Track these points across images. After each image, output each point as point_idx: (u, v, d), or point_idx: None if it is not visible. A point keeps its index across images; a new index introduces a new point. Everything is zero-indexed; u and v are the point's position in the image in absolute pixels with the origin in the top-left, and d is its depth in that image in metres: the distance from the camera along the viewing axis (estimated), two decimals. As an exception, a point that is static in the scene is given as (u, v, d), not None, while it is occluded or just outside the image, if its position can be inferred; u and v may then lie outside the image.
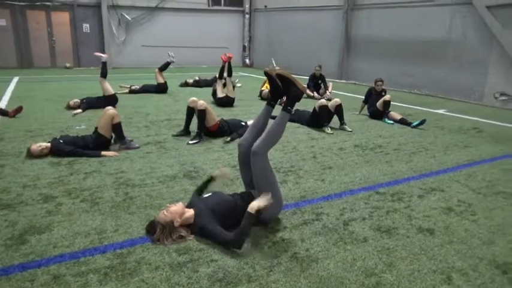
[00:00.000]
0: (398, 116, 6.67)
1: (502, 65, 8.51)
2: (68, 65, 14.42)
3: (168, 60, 9.14)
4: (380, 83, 7.08)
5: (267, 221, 2.90)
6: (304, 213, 3.14)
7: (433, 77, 9.97)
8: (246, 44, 17.96)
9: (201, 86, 10.41)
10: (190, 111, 5.45)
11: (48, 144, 4.46)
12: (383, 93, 7.07)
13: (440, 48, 9.72)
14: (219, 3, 17.09)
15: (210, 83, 10.46)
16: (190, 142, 5.12)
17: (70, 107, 6.97)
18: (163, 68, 9.19)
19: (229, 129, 5.53)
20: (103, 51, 14.84)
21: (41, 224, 2.87)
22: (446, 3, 9.45)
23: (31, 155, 4.34)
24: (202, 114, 5.23)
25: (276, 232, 2.83)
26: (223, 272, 2.34)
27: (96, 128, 4.72)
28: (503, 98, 8.55)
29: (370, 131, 6.03)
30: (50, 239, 2.66)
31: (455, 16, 9.32)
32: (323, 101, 6.03)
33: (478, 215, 3.17)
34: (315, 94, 9.17)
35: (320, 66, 9.38)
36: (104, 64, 7.16)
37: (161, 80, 9.09)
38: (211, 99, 8.30)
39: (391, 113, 6.76)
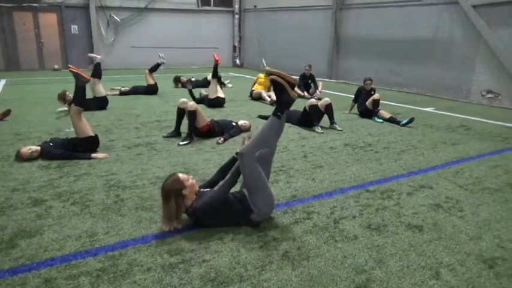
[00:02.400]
0: (387, 115, 6.74)
1: (488, 63, 8.65)
2: (56, 67, 14.28)
3: (158, 61, 9.11)
4: (369, 82, 7.15)
5: (258, 221, 2.92)
6: (296, 213, 3.17)
7: (421, 76, 10.09)
8: (236, 44, 17.97)
9: (192, 87, 10.36)
10: (181, 112, 5.45)
11: (38, 148, 4.42)
12: (372, 92, 7.14)
13: (428, 47, 9.85)
14: (208, 4, 17.06)
15: (202, 84, 10.45)
16: (181, 143, 5.12)
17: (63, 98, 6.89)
18: (154, 69, 9.16)
19: (220, 130, 5.54)
20: (92, 52, 14.76)
21: (31, 227, 2.85)
22: (433, 3, 9.57)
23: (20, 158, 4.31)
24: (192, 115, 5.23)
25: (267, 231, 2.85)
26: (215, 272, 2.35)
27: (76, 136, 4.63)
28: (489, 95, 8.69)
29: (360, 130, 6.09)
30: (40, 243, 2.65)
31: (443, 15, 9.45)
32: (313, 101, 6.07)
33: (465, 211, 3.23)
34: (305, 94, 9.22)
35: (310, 66, 9.44)
36: (98, 65, 7.13)
37: (151, 82, 9.06)
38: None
39: (380, 111, 6.83)
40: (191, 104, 5.25)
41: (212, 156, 4.68)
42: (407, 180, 3.93)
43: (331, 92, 9.95)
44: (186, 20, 16.45)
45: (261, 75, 9.14)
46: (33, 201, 3.31)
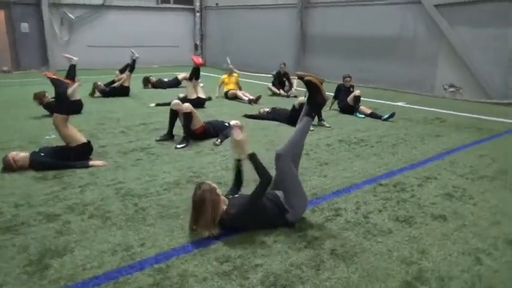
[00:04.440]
0: (368, 110, 7.02)
1: (449, 59, 9.28)
2: (5, 68, 13.20)
3: (133, 57, 8.71)
4: (348, 79, 7.39)
5: (293, 221, 2.94)
6: (323, 210, 3.22)
7: (387, 72, 10.57)
8: (198, 43, 17.67)
9: (164, 87, 10.09)
10: (174, 114, 5.29)
11: (27, 154, 4.10)
12: (351, 89, 7.39)
13: (393, 45, 10.34)
14: (168, 1, 16.61)
15: (173, 84, 10.19)
16: (178, 146, 4.98)
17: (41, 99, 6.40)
18: (133, 67, 8.75)
19: (214, 131, 5.46)
20: (45, 53, 13.85)
21: (57, 245, 2.65)
22: (397, 2, 10.07)
23: (9, 166, 3.96)
24: (188, 117, 5.10)
25: (305, 231, 2.88)
26: (273, 276, 2.34)
27: (66, 145, 4.31)
28: (451, 89, 9.33)
29: (347, 126, 6.29)
30: (74, 261, 2.47)
31: (406, 14, 9.98)
32: (302, 99, 6.15)
33: (475, 199, 3.47)
34: (281, 91, 9.33)
35: (284, 64, 9.56)
36: (74, 67, 6.70)
37: (127, 83, 8.65)
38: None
39: (361, 107, 7.09)
40: (186, 106, 5.12)
41: (215, 158, 4.61)
42: (412, 173, 4.13)
43: (303, 89, 10.11)
44: (146, 18, 15.89)
45: (225, 76, 9.12)
46: (45, 216, 3.07)
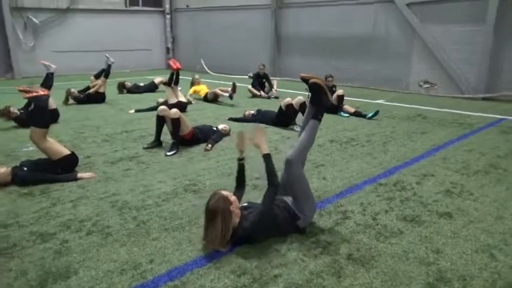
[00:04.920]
0: (352, 109, 7.08)
1: (423, 56, 9.55)
2: (-35, 77, 12.43)
3: (109, 62, 8.39)
4: (331, 78, 7.44)
5: (304, 227, 2.87)
6: (331, 214, 3.18)
7: (363, 71, 10.75)
8: (169, 46, 17.34)
9: (141, 92, 9.79)
10: (161, 120, 5.11)
11: (8, 169, 3.82)
12: (334, 89, 7.44)
13: (367, 44, 10.54)
14: (136, 4, 16.20)
15: (150, 88, 9.91)
16: (168, 153, 4.81)
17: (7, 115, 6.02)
18: (108, 73, 8.42)
19: (203, 136, 5.32)
20: (8, 58, 13.12)
21: (58, 267, 2.46)
22: (369, 2, 10.27)
23: None
24: (177, 122, 4.94)
25: (317, 236, 2.82)
26: (295, 286, 2.26)
27: (50, 159, 4.03)
28: (426, 85, 9.61)
29: (334, 126, 6.30)
30: (80, 284, 2.30)
31: (379, 13, 10.19)
32: (289, 100, 6.12)
33: (475, 194, 3.54)
34: (262, 93, 9.27)
35: (264, 65, 9.51)
36: (51, 75, 6.34)
37: (102, 89, 8.31)
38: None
39: (345, 106, 7.14)
40: (174, 112, 4.95)
41: (209, 164, 4.48)
42: (408, 171, 4.18)
43: (281, 90, 10.09)
44: (114, 21, 15.41)
45: (194, 88, 8.99)
46: (39, 236, 2.85)
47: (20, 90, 3.89)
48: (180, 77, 7.51)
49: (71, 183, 3.88)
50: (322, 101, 2.89)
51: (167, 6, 16.80)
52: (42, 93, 3.83)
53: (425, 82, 9.57)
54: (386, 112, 7.29)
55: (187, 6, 16.28)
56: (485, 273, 2.36)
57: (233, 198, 2.69)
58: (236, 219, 2.66)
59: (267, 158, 2.81)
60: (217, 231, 2.58)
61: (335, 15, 11.14)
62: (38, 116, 3.88)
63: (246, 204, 2.91)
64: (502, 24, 8.15)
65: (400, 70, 10.02)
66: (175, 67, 7.55)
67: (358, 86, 10.75)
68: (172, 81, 7.69)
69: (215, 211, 2.58)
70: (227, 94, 8.22)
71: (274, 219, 2.74)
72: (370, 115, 6.75)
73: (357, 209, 3.27)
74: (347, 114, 7.02)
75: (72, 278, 2.35)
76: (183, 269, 2.45)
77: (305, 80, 2.94)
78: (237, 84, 8.53)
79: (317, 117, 2.88)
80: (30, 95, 3.79)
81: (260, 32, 13.29)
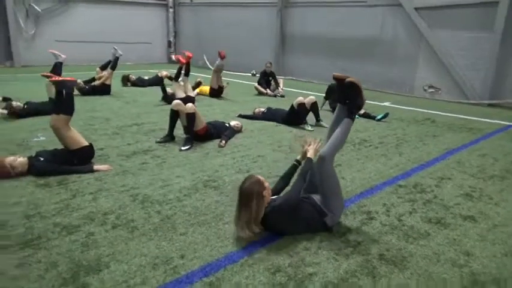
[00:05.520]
0: (362, 111, 7.08)
1: (429, 60, 9.60)
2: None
3: (117, 55, 8.29)
4: (340, 79, 7.41)
5: (332, 226, 2.87)
6: (355, 214, 3.18)
7: (367, 72, 10.76)
8: (171, 40, 17.23)
9: (145, 86, 9.71)
10: (175, 115, 5.06)
11: (26, 159, 3.75)
12: (342, 89, 7.43)
13: (373, 46, 10.56)
14: (140, -4, 16.07)
15: (155, 82, 9.82)
16: (182, 148, 4.77)
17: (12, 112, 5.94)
18: (115, 65, 8.33)
19: (216, 132, 5.29)
20: (8, 46, 12.92)
21: (88, 260, 2.42)
22: (378, 4, 10.28)
23: (7, 173, 3.60)
24: (192, 117, 4.90)
25: (346, 236, 2.81)
26: (331, 285, 2.26)
27: (67, 148, 4.00)
28: (431, 90, 9.66)
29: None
30: (114, 278, 2.26)
31: (387, 16, 10.21)
32: (301, 99, 6.11)
33: (494, 198, 3.56)
34: (268, 91, 9.25)
35: (271, 63, 9.49)
36: (60, 64, 6.26)
37: (109, 82, 8.22)
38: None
39: (354, 107, 7.14)
40: (190, 106, 4.92)
41: (225, 160, 4.45)
42: (425, 173, 4.19)
43: (287, 89, 10.09)
44: (117, 13, 15.28)
45: (198, 89, 9.01)
46: (63, 228, 2.81)
47: (44, 75, 3.84)
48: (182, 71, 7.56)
49: (88, 175, 3.83)
50: (358, 100, 2.88)
51: (170, 0, 16.69)
52: (68, 78, 3.79)
53: (430, 86, 9.63)
54: (394, 114, 7.31)
55: (191, 0, 16.17)
56: (518, 277, 2.38)
57: (267, 184, 2.76)
58: (266, 204, 2.70)
59: (309, 160, 3.08)
60: (251, 212, 2.64)
61: (342, 16, 11.14)
62: (65, 102, 3.84)
63: (275, 196, 2.93)
64: (510, 32, 8.21)
65: (405, 74, 10.07)
66: (183, 60, 7.51)
67: (364, 88, 10.69)
68: (181, 75, 7.65)
69: (251, 193, 2.63)
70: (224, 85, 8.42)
71: (301, 210, 2.79)
72: (379, 117, 6.77)
73: (380, 209, 3.27)
74: (356, 116, 7.01)
75: (104, 272, 2.32)
76: (216, 265, 2.43)
77: (339, 79, 2.92)
78: (239, 81, 8.56)
79: (351, 116, 2.88)
80: (56, 79, 3.75)
81: (265, 30, 13.26)
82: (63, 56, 6.67)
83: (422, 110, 8.02)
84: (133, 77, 9.89)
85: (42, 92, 6.27)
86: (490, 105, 8.66)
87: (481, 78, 8.73)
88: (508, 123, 6.94)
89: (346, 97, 2.97)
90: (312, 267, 2.42)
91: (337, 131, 2.86)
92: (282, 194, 3.04)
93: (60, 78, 3.82)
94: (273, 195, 3.00)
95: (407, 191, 3.69)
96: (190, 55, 7.33)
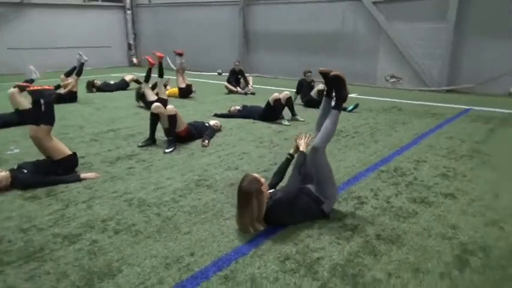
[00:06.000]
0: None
1: (389, 52, 10.09)
2: None
3: (82, 60, 8.03)
4: (309, 74, 7.67)
5: (328, 212, 3.02)
6: (347, 200, 3.36)
7: (332, 66, 10.77)
8: (131, 42, 16.85)
9: (112, 90, 9.48)
10: (155, 118, 5.04)
11: (8, 173, 3.62)
12: (313, 83, 7.68)
13: (336, 40, 10.93)
14: (95, -1, 15.59)
15: (121, 86, 9.62)
16: (167, 151, 4.76)
17: None
18: (81, 71, 8.07)
19: (197, 132, 5.33)
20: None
21: (98, 267, 2.42)
22: (338, 0, 10.64)
23: None
24: (174, 119, 4.91)
25: (342, 221, 2.98)
26: (339, 266, 2.40)
27: (49, 158, 3.90)
28: (393, 80, 10.16)
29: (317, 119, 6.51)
30: (129, 281, 2.29)
31: (347, 11, 10.60)
32: (276, 95, 6.26)
33: (467, 176, 3.88)
34: (238, 89, 9.34)
35: (239, 62, 9.59)
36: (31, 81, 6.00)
37: (75, 89, 7.97)
38: (135, 103, 7.76)
39: (325, 100, 7.39)
40: (170, 108, 4.92)
41: (211, 160, 4.51)
42: (402, 158, 4.47)
43: (256, 86, 10.22)
44: (72, 17, 14.77)
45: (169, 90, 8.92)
46: (64, 238, 2.77)
47: (18, 86, 3.70)
48: (142, 74, 7.46)
49: (76, 184, 3.76)
50: (343, 92, 3.05)
51: (128, 1, 16.30)
52: (47, 87, 3.68)
53: (392, 76, 10.12)
54: (363, 105, 7.64)
55: (149, 1, 15.89)
56: (500, 243, 2.65)
57: (263, 179, 2.85)
58: (266, 199, 2.79)
59: (302, 153, 3.17)
60: (254, 211, 2.72)
61: (304, 13, 11.43)
62: (45, 112, 3.72)
63: (273, 190, 3.04)
64: (462, 22, 8.82)
65: (367, 66, 10.51)
66: (153, 62, 7.43)
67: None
68: (149, 78, 7.57)
69: (249, 192, 2.71)
70: (183, 85, 8.54)
71: (300, 201, 2.92)
72: (350, 108, 7.06)
73: (369, 194, 3.48)
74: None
75: (118, 276, 2.33)
76: (227, 259, 2.51)
77: (324, 73, 3.09)
78: (206, 81, 8.59)
79: (338, 108, 3.04)
80: (32, 88, 3.63)
81: (228, 29, 13.31)
82: (31, 67, 6.42)
83: (388, 99, 8.44)
84: (98, 82, 9.63)
85: (4, 102, 6.01)
86: (448, 91, 9.26)
87: (439, 67, 9.30)
88: (466, 107, 7.47)
89: (332, 90, 3.14)
90: (318, 252, 2.56)
91: (327, 122, 3.02)
92: (278, 188, 3.16)
93: (38, 88, 3.71)
94: (269, 189, 3.12)
95: (389, 175, 3.94)
96: (162, 55, 7.26)
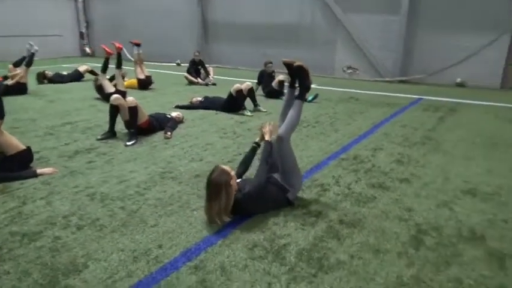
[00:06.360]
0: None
1: (346, 43, 10.39)
2: None
3: (32, 50, 7.56)
4: (270, 65, 7.74)
5: (293, 200, 3.12)
6: (311, 187, 3.48)
7: (292, 57, 11.22)
8: (83, 31, 16.08)
9: (65, 82, 9.04)
10: (115, 110, 4.90)
11: None
12: (273, 74, 7.77)
13: (295, 32, 11.08)
14: (43, -16, 14.67)
15: (75, 77, 9.20)
16: (128, 143, 4.66)
17: None
18: (31, 62, 7.60)
19: (158, 124, 5.24)
20: None
21: (63, 263, 2.36)
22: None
23: None
24: (135, 111, 4.80)
25: (307, 208, 3.08)
26: (305, 251, 2.50)
27: (1, 153, 3.70)
28: (350, 71, 10.49)
29: (280, 110, 6.61)
30: (97, 276, 2.25)
31: (305, 3, 10.75)
32: (238, 86, 6.26)
33: (420, 162, 4.14)
34: (199, 80, 9.24)
35: (199, 52, 9.46)
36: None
37: (24, 80, 7.51)
38: (95, 95, 7.47)
39: (285, 91, 7.51)
40: (131, 100, 4.80)
41: (175, 151, 4.47)
42: (361, 146, 4.67)
43: (215, 77, 10.16)
44: (20, 4, 13.81)
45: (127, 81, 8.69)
46: (23, 236, 2.66)
47: None
48: (97, 64, 7.20)
49: (32, 181, 3.59)
50: (307, 83, 3.13)
51: (78, -12, 15.53)
52: None
53: (349, 67, 10.44)
54: (322, 95, 7.84)
55: (102, -11, 15.22)
56: (450, 222, 2.87)
57: (233, 172, 2.87)
58: (234, 191, 2.83)
59: (268, 143, 3.15)
60: (221, 203, 2.74)
61: (263, 4, 11.46)
62: None
63: (240, 180, 3.08)
64: (414, 14, 9.24)
65: (325, 57, 10.76)
66: (110, 51, 7.16)
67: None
68: (107, 68, 7.30)
69: (219, 184, 2.73)
70: (143, 76, 8.39)
71: (268, 191, 2.98)
72: (310, 98, 7.22)
73: (331, 181, 3.62)
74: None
75: (84, 272, 2.28)
76: (196, 249, 2.53)
77: (288, 64, 3.16)
78: (165, 71, 8.44)
79: (302, 97, 3.12)
80: None
81: (186, 18, 13.07)
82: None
83: (345, 89, 8.72)
84: (49, 73, 9.15)
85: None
86: (401, 81, 9.71)
87: (392, 58, 9.72)
88: (418, 97, 7.90)
89: (295, 80, 3.22)
90: (284, 239, 2.65)
91: (291, 112, 3.10)
92: (244, 177, 3.21)
93: None
94: (236, 179, 3.16)
95: (350, 163, 4.11)
96: (121, 46, 7.02)
